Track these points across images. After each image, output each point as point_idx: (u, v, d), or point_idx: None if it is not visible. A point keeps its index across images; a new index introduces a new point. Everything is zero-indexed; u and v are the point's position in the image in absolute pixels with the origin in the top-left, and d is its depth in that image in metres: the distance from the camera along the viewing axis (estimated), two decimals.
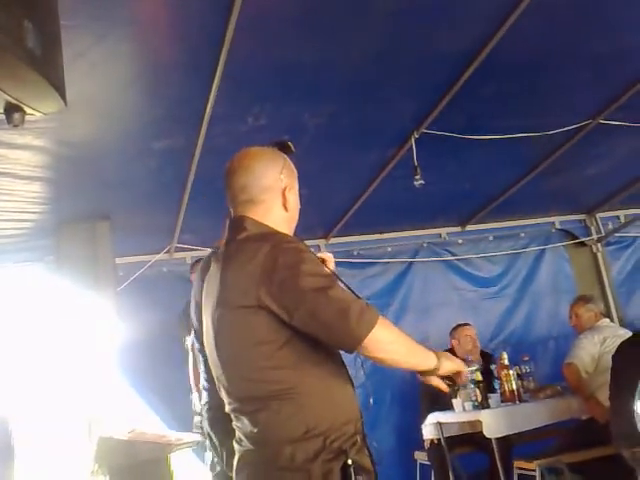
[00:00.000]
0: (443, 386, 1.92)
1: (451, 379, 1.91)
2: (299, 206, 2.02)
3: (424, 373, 1.89)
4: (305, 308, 1.73)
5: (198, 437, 4.20)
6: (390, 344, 1.77)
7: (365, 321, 1.71)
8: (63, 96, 1.66)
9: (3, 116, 1.67)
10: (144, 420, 4.81)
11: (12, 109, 1.60)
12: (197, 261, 4.77)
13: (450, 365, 1.89)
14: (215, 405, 2.94)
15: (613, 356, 3.96)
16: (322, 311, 1.72)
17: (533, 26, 3.37)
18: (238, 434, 1.89)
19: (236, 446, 1.91)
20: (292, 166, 2.01)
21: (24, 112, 1.63)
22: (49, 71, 1.57)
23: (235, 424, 1.90)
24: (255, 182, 1.93)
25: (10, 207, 4.10)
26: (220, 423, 2.73)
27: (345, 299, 1.75)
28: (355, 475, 1.73)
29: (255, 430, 1.80)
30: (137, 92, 3.39)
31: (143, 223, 4.74)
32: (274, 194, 1.94)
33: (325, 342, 1.78)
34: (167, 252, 5.30)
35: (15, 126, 1.62)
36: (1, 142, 3.32)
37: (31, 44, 1.47)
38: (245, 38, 3.00)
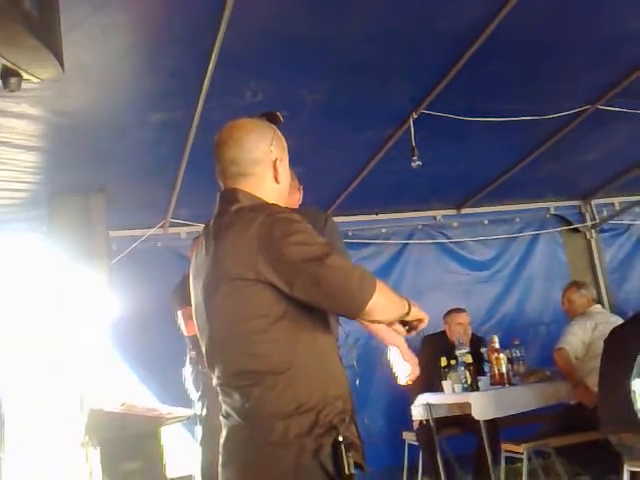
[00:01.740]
0: (402, 330, 1.98)
1: (411, 325, 1.97)
2: (289, 178, 2.01)
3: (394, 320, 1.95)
4: (306, 277, 1.73)
5: (189, 411, 4.23)
6: (387, 306, 1.83)
7: (366, 287, 1.75)
8: (61, 62, 1.63)
9: None
10: (135, 394, 4.82)
11: (9, 73, 1.57)
12: (197, 237, 4.76)
13: (416, 312, 1.94)
14: None
15: (605, 340, 3.98)
16: (324, 279, 1.73)
17: (534, 9, 3.34)
18: (225, 408, 1.88)
19: (223, 420, 1.90)
20: (282, 137, 2.00)
21: (21, 77, 1.60)
22: (47, 35, 1.54)
23: (222, 398, 1.89)
24: (245, 155, 1.91)
25: (4, 176, 4.07)
26: None
27: (345, 266, 1.77)
28: (346, 451, 1.74)
29: (247, 405, 1.79)
30: (134, 63, 3.35)
31: (138, 197, 4.71)
32: (265, 166, 1.93)
33: (327, 309, 1.82)
34: (161, 227, 5.29)
35: (11, 91, 1.60)
36: None
37: (28, 6, 1.44)
38: (244, 12, 2.96)
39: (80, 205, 4.37)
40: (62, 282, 4.43)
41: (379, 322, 1.89)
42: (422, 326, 1.98)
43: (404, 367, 2.28)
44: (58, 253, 4.46)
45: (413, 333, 2.01)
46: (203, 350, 1.95)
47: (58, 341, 4.64)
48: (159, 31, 3.11)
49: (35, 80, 1.66)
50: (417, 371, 2.46)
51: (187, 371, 4.46)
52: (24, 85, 1.69)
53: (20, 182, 4.21)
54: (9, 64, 1.54)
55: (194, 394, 4.38)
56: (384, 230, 5.96)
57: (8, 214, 4.61)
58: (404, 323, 1.94)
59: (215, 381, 1.91)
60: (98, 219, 4.39)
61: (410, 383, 2.39)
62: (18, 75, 1.59)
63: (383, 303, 1.79)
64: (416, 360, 2.46)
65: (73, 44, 2.60)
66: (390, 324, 1.94)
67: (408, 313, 1.90)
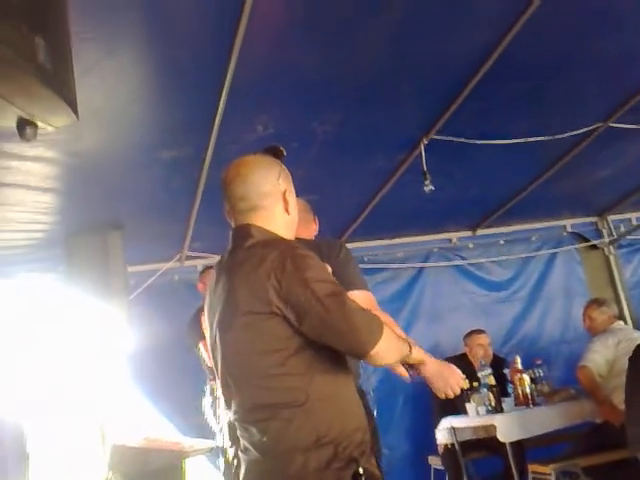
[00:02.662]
0: (404, 372, 1.99)
1: (414, 368, 1.98)
2: (297, 208, 2.05)
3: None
4: (314, 315, 1.75)
5: (211, 443, 4.22)
6: (391, 351, 1.84)
7: (372, 334, 1.76)
8: (75, 110, 1.67)
9: (13, 128, 1.68)
10: (157, 427, 4.82)
11: (25, 124, 1.61)
12: (206, 269, 4.79)
13: (418, 355, 1.95)
14: None
15: (630, 358, 3.93)
16: (331, 320, 1.75)
17: (542, 30, 3.35)
18: (244, 443, 1.88)
19: (241, 455, 1.90)
20: (286, 170, 2.04)
21: (36, 126, 1.64)
22: (61, 86, 1.58)
23: (240, 433, 1.89)
24: (254, 190, 1.94)
25: (22, 218, 4.13)
26: None
27: (352, 309, 1.78)
28: None
29: (264, 439, 1.79)
30: (146, 103, 3.41)
31: (154, 232, 4.76)
32: (274, 199, 1.97)
33: (334, 347, 1.82)
34: (178, 260, 5.33)
35: (27, 140, 1.64)
36: (12, 154, 3.35)
37: (42, 60, 1.48)
38: (253, 48, 3.01)
39: (97, 243, 4.41)
40: (81, 320, 4.47)
41: (380, 365, 1.90)
42: (423, 369, 1.98)
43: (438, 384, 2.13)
44: (76, 291, 4.50)
45: (416, 376, 1.99)
46: (219, 385, 1.96)
47: (79, 378, 4.66)
48: (168, 71, 3.17)
49: (50, 128, 1.70)
50: (452, 381, 2.07)
51: (207, 402, 4.46)
52: (40, 130, 1.72)
53: (37, 223, 4.27)
54: (24, 115, 1.58)
55: (215, 425, 4.37)
56: (400, 254, 5.95)
57: (26, 255, 4.66)
58: (407, 365, 1.96)
59: (232, 416, 1.91)
60: (115, 256, 4.43)
61: (459, 392, 2.14)
62: (33, 125, 1.63)
63: (387, 348, 1.80)
64: (445, 370, 2.09)
65: (86, 88, 2.66)
66: (392, 367, 1.96)
67: (409, 355, 1.91)
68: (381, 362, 1.83)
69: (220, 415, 4.31)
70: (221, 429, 4.29)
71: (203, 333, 4.09)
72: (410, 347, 1.91)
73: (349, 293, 1.94)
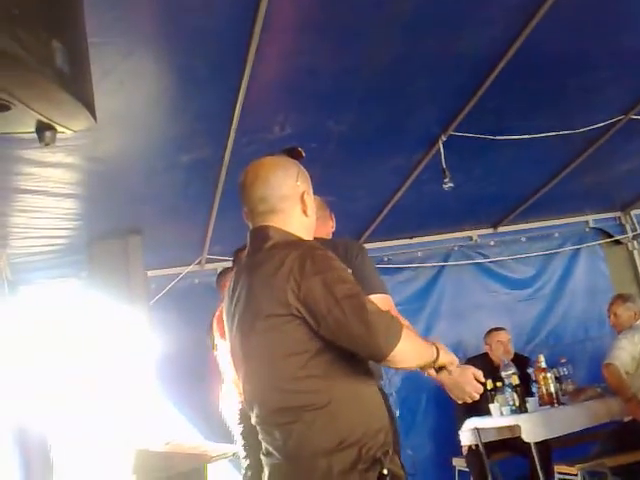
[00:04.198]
0: (433, 373, 1.94)
1: (442, 369, 1.95)
2: (315, 209, 2.03)
3: (424, 367, 1.92)
4: (332, 317, 1.73)
5: (234, 448, 4.20)
6: (410, 353, 1.81)
7: (391, 336, 1.73)
8: (93, 113, 1.67)
9: (34, 135, 1.68)
10: (180, 431, 4.83)
11: (43, 128, 1.61)
12: (223, 271, 4.78)
13: (445, 357, 1.92)
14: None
15: None
16: (349, 323, 1.72)
17: (560, 23, 3.32)
18: (266, 447, 1.87)
19: (264, 459, 1.89)
20: (305, 171, 2.03)
21: (55, 130, 1.64)
22: (78, 89, 1.58)
23: (262, 437, 1.88)
24: (274, 192, 1.93)
25: (43, 224, 4.16)
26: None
27: (372, 311, 1.75)
28: None
29: (289, 443, 1.78)
30: (164, 107, 3.42)
31: (174, 236, 4.78)
32: (293, 201, 1.95)
33: (352, 351, 1.80)
34: (198, 264, 5.34)
35: (46, 144, 1.63)
36: (33, 160, 3.37)
37: (60, 63, 1.48)
38: (268, 49, 3.01)
39: (118, 248, 4.44)
40: (104, 324, 4.49)
41: (401, 368, 1.86)
42: (453, 368, 1.94)
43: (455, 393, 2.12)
44: (99, 296, 4.52)
45: (445, 373, 1.95)
46: (241, 388, 1.95)
47: (102, 383, 4.68)
48: (186, 74, 3.17)
49: (69, 132, 1.70)
50: (469, 388, 2.06)
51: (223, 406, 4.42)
52: (59, 135, 1.72)
53: (59, 229, 4.29)
54: (43, 119, 1.58)
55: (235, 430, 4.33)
56: (420, 254, 5.91)
57: (49, 261, 4.70)
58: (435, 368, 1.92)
59: (254, 419, 1.90)
60: (136, 261, 4.46)
61: (477, 398, 2.14)
62: (52, 129, 1.62)
63: (407, 351, 1.77)
64: (462, 378, 2.07)
65: (105, 92, 2.67)
66: (422, 369, 1.92)
67: (437, 359, 1.88)
68: (400, 365, 1.80)
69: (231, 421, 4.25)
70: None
71: (214, 339, 4.08)
72: (437, 351, 1.88)
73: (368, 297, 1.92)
